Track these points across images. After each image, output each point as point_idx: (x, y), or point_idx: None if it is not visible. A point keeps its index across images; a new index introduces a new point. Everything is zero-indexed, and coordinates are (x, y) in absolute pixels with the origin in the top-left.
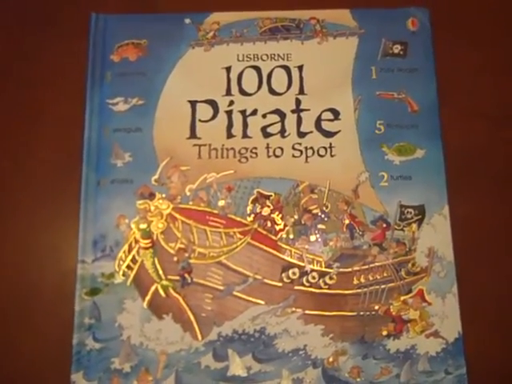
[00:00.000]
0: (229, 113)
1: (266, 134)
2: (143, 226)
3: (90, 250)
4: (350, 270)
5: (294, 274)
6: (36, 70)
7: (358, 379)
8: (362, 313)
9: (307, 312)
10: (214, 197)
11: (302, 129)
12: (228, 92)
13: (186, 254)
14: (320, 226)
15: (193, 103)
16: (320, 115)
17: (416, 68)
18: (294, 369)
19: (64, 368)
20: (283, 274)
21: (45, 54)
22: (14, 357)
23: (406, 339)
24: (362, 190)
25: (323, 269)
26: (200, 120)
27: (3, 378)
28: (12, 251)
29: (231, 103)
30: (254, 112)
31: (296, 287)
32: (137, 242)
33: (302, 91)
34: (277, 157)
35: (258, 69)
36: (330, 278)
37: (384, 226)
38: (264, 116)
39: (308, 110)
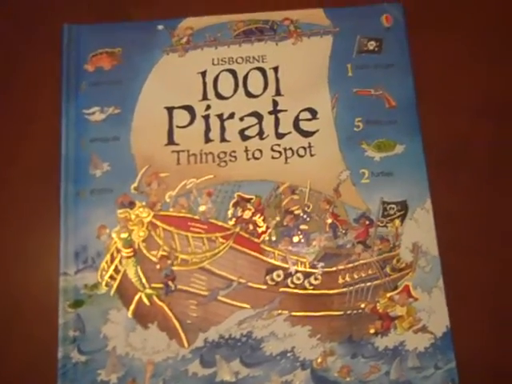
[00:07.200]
0: (206, 117)
1: (244, 137)
2: (124, 235)
3: (72, 261)
4: (334, 269)
5: (278, 276)
6: (10, 84)
7: (348, 379)
8: (348, 312)
9: (293, 313)
10: (194, 202)
11: (280, 130)
12: (204, 97)
13: (169, 261)
14: (302, 227)
15: (169, 109)
16: (298, 115)
17: (392, 64)
18: (283, 371)
19: (50, 382)
20: (267, 277)
21: (18, 67)
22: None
23: (394, 336)
24: (343, 188)
25: (308, 269)
26: (177, 126)
27: None
28: None
29: (208, 108)
30: (232, 115)
31: (281, 289)
32: (119, 251)
33: (278, 92)
34: (256, 159)
35: (233, 72)
36: (315, 279)
37: (367, 223)
38: (241, 119)
39: (285, 110)
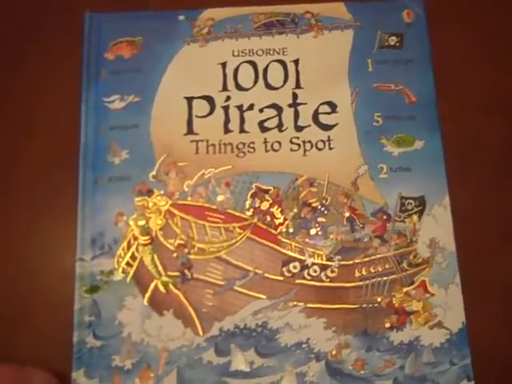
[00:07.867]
0: (225, 108)
1: (264, 129)
2: (142, 222)
3: (89, 247)
4: (351, 262)
5: (294, 267)
6: (31, 72)
7: (362, 372)
8: (364, 305)
9: (309, 305)
10: (212, 192)
11: (300, 123)
12: (224, 87)
13: (186, 250)
14: (320, 220)
15: (189, 99)
16: (317, 109)
17: (412, 59)
18: (297, 362)
19: (65, 366)
20: (284, 268)
21: (39, 56)
22: (14, 356)
23: (410, 331)
24: (361, 182)
25: (324, 262)
26: (197, 116)
27: None
28: (10, 251)
29: (228, 98)
30: (251, 107)
31: (297, 281)
32: (135, 238)
33: (298, 85)
34: (275, 151)
35: (253, 64)
36: (332, 271)
37: (384, 217)
38: (261, 111)
39: (305, 103)
